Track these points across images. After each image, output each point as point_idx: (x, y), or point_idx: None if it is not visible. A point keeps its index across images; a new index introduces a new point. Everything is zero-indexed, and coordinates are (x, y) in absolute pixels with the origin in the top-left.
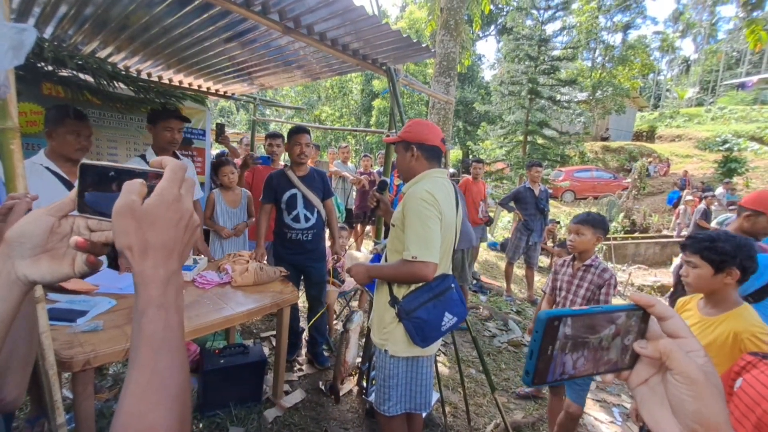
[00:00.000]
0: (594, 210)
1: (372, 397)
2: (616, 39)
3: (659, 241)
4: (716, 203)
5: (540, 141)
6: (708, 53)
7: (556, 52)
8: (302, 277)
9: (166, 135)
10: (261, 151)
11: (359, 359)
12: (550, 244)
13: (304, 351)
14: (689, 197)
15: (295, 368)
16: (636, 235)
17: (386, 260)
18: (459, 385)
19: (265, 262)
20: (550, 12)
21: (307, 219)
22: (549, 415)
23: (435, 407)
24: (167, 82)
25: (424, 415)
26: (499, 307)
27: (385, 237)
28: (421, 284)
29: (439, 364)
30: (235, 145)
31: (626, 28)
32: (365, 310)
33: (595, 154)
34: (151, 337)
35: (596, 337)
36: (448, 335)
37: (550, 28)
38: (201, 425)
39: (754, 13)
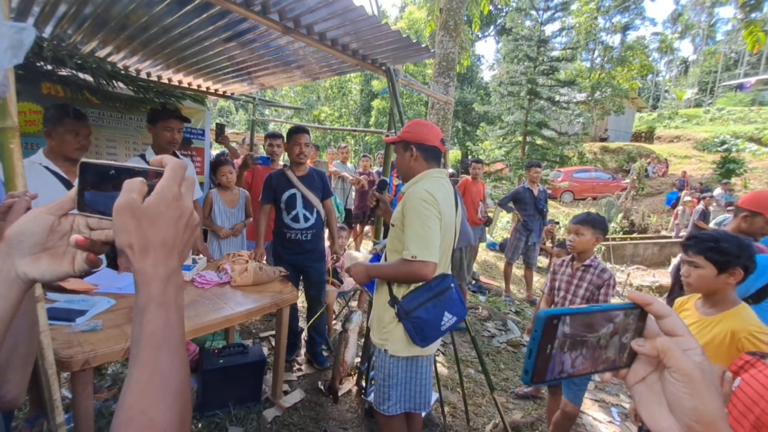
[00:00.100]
0: (593, 210)
1: (371, 397)
2: (615, 40)
3: (658, 241)
4: (714, 204)
5: (539, 141)
6: (706, 54)
7: (555, 53)
8: (301, 277)
9: (166, 135)
10: (261, 151)
11: (358, 359)
12: (548, 244)
13: (303, 351)
14: (688, 198)
15: (295, 368)
16: (634, 235)
17: (386, 260)
18: (458, 385)
19: (264, 262)
20: (549, 13)
21: (306, 219)
22: (548, 415)
23: (434, 407)
24: (167, 81)
25: (423, 414)
26: (498, 308)
27: (385, 237)
28: (420, 284)
29: (438, 364)
30: (235, 145)
31: (625, 29)
32: (364, 310)
33: (593, 155)
34: (152, 336)
35: (594, 335)
36: (448, 335)
37: (549, 29)
38: (200, 425)
39: (753, 15)
